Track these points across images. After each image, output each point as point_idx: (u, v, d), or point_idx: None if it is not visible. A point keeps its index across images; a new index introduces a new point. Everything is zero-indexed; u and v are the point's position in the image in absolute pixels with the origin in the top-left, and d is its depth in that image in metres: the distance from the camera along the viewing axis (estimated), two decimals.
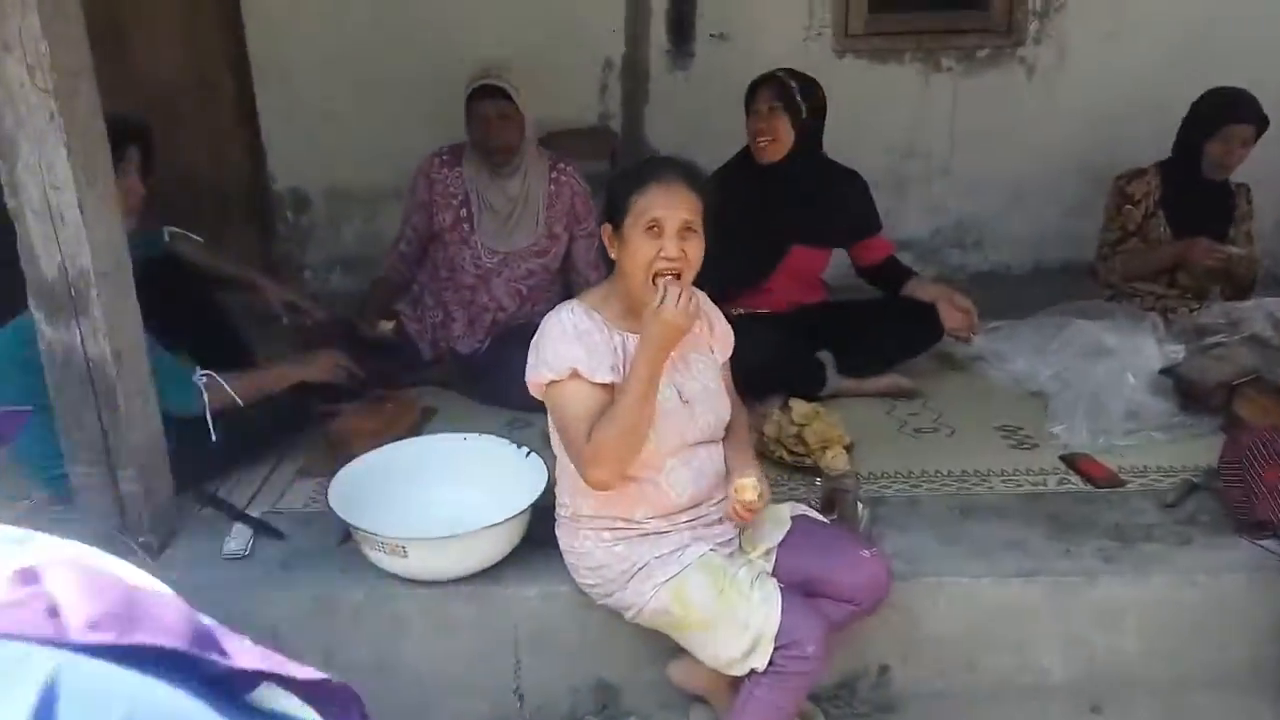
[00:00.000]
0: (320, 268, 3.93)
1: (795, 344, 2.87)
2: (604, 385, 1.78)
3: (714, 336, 2.02)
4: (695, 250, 1.79)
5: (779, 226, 2.89)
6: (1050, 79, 3.89)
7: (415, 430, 2.72)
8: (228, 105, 3.75)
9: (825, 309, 3.07)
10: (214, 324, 2.66)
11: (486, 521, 2.01)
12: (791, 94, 2.79)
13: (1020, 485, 2.48)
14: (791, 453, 2.52)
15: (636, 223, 1.77)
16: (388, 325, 2.86)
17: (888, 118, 3.90)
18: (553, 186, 2.95)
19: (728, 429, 1.99)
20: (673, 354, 1.86)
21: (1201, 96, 3.17)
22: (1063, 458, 2.60)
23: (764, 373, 2.78)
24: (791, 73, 2.86)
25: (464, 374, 2.92)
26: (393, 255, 3.06)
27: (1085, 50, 3.84)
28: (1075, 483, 2.49)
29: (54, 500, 2.24)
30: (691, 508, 1.90)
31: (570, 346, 1.78)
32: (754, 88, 2.88)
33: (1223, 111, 3.08)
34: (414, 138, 3.19)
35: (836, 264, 3.15)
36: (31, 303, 1.92)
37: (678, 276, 1.78)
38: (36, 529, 0.55)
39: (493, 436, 2.34)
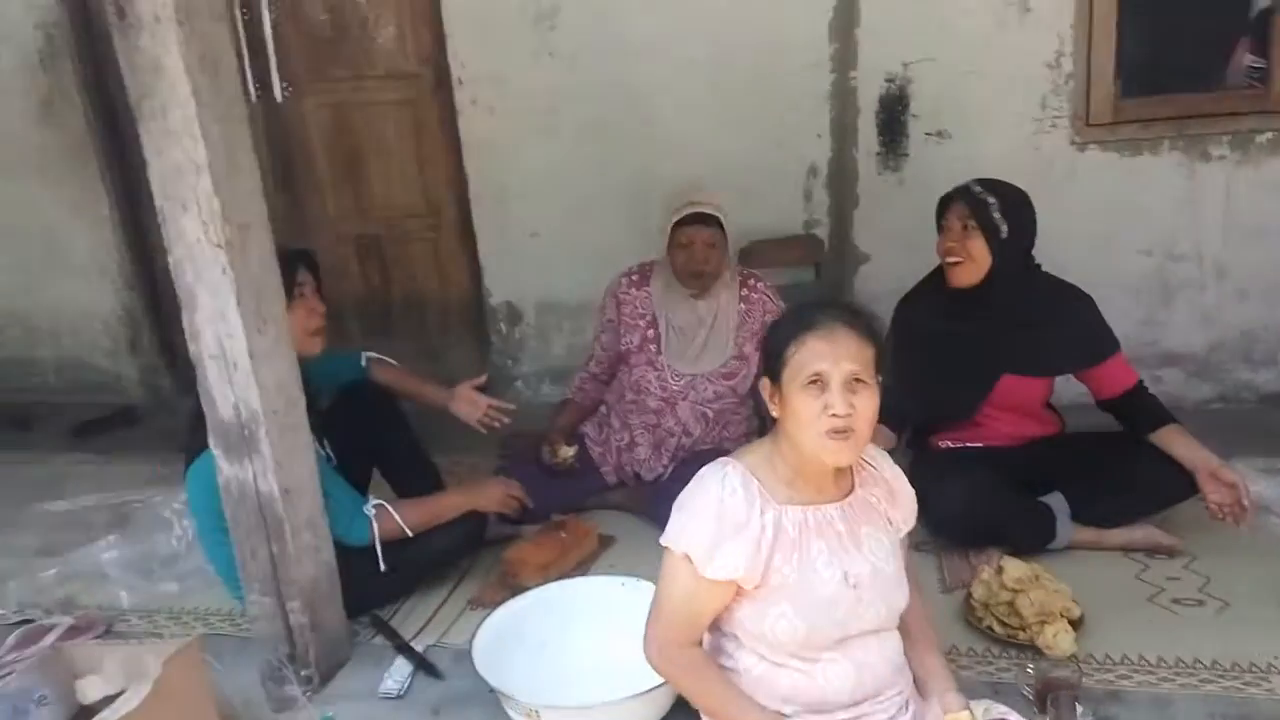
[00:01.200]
0: (531, 378, 4.00)
1: (1015, 485, 2.48)
2: (714, 581, 1.60)
3: (895, 505, 1.74)
4: (866, 405, 1.56)
5: (983, 354, 2.53)
6: None
7: (590, 560, 2.63)
8: (450, 226, 3.95)
9: (1057, 443, 2.65)
10: (405, 447, 2.70)
11: (636, 684, 1.83)
12: (987, 211, 2.46)
13: None
14: (1002, 624, 2.14)
15: (796, 378, 1.57)
16: (569, 451, 2.80)
17: (1144, 215, 3.43)
18: (743, 305, 2.80)
19: (904, 618, 1.71)
20: (840, 529, 1.64)
21: None
22: None
23: (974, 521, 2.44)
24: (989, 185, 2.53)
25: (647, 500, 2.79)
26: (582, 377, 3.04)
27: None
28: None
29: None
30: (851, 705, 1.62)
31: (703, 524, 1.60)
32: (945, 202, 2.57)
33: None
34: (620, 252, 3.18)
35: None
36: (211, 441, 2.02)
37: (848, 435, 1.55)
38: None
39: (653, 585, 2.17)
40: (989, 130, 3.45)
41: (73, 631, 2.35)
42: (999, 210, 2.44)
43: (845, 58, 3.49)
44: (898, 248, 3.59)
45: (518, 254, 3.85)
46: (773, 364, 1.62)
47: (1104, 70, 3.40)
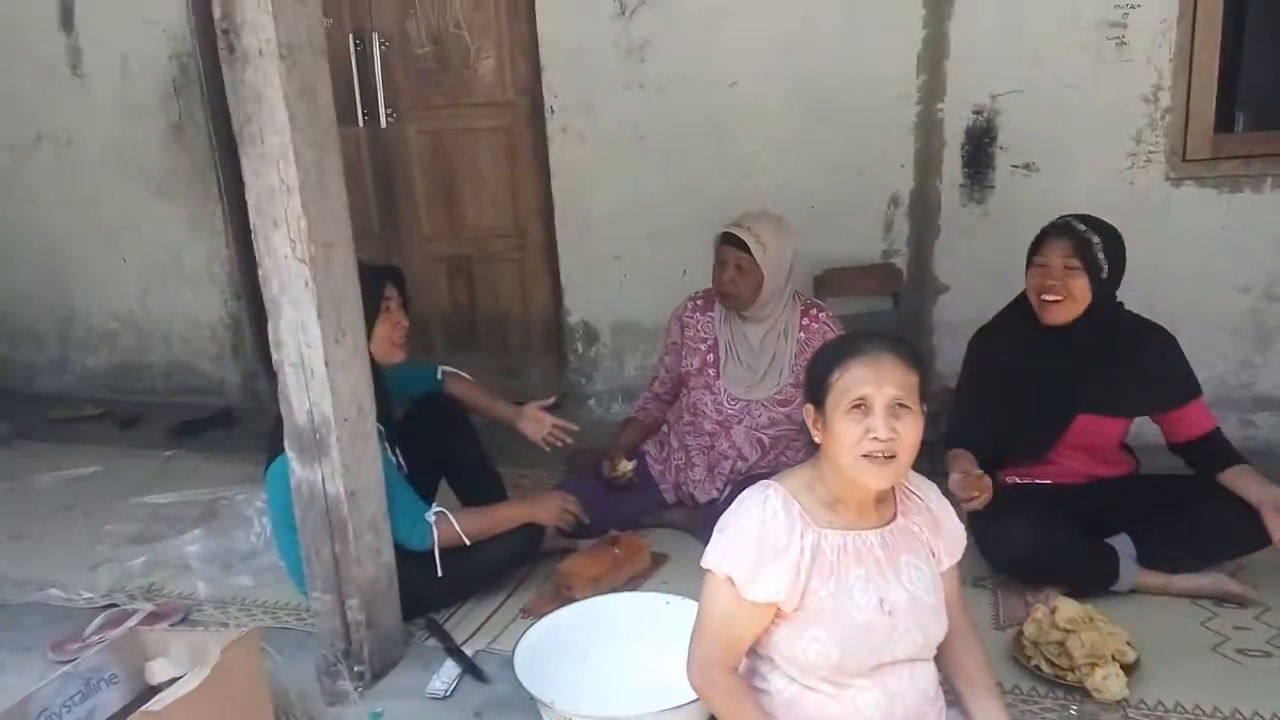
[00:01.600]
0: (604, 397, 4.09)
1: (1080, 525, 2.42)
2: (755, 604, 1.61)
3: (939, 536, 1.73)
4: (909, 430, 1.57)
5: (1063, 393, 2.46)
6: None
7: (642, 577, 2.68)
8: (535, 248, 4.10)
9: (1128, 483, 2.57)
10: (473, 459, 2.81)
11: (670, 700, 1.87)
12: (1091, 250, 2.38)
13: None
14: (1051, 664, 2.09)
15: (839, 402, 1.59)
16: (629, 466, 2.87)
17: (1242, 254, 3.30)
18: (803, 334, 2.82)
19: (947, 649, 1.71)
20: (879, 554, 1.64)
21: None
22: None
23: (1036, 560, 2.40)
24: (1091, 224, 2.44)
25: (701, 521, 2.83)
26: (646, 396, 3.12)
27: None
28: None
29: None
30: None
31: (744, 546, 1.61)
32: (1043, 236, 2.49)
33: None
34: (695, 279, 3.23)
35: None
36: (286, 443, 2.16)
37: (890, 459, 1.57)
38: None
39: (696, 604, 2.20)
40: (1079, 164, 3.38)
41: (152, 617, 2.52)
42: (1102, 250, 2.37)
43: (933, 89, 3.48)
44: (978, 279, 3.54)
45: (597, 277, 3.96)
46: (817, 390, 1.64)
47: (1204, 105, 3.31)
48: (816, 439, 1.66)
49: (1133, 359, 2.44)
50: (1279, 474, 2.38)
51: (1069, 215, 2.49)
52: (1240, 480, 2.36)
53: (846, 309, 3.37)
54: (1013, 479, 2.59)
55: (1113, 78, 3.29)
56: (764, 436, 2.83)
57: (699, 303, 2.95)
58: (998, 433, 2.48)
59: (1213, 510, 2.36)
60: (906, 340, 1.70)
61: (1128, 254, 3.27)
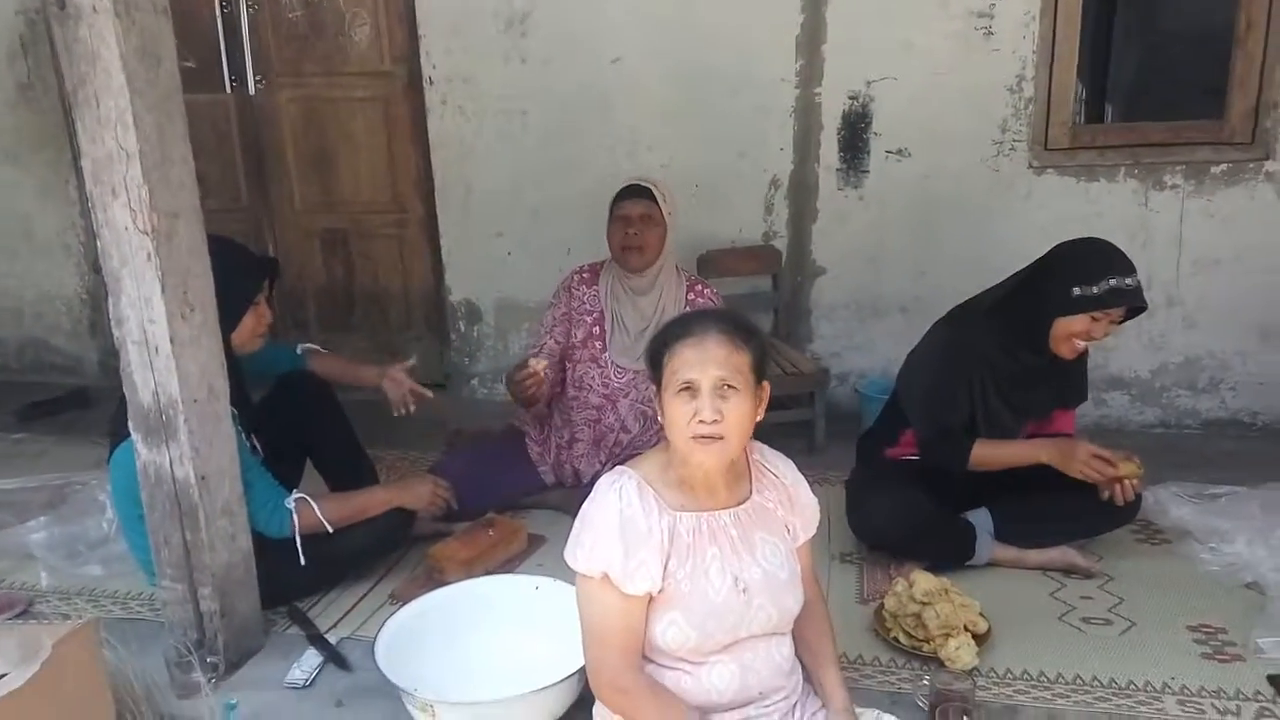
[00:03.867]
0: (486, 377, 4.04)
1: (940, 500, 2.50)
2: (636, 596, 1.58)
3: (794, 512, 1.74)
4: (736, 411, 1.56)
5: (1044, 389, 2.53)
6: None
7: (518, 559, 2.66)
8: (415, 223, 3.99)
9: None
10: (339, 441, 2.72)
11: (542, 681, 1.84)
12: (1139, 302, 2.38)
13: (1204, 712, 1.96)
14: (909, 635, 2.16)
15: (670, 385, 1.59)
16: (541, 363, 2.68)
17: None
18: (689, 307, 2.83)
19: (804, 630, 1.73)
20: (733, 533, 1.65)
21: None
22: (1273, 679, 2.04)
23: (896, 534, 2.48)
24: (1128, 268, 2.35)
25: (581, 499, 2.81)
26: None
27: None
28: None
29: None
30: (734, 708, 1.63)
31: (610, 540, 1.58)
32: (1102, 301, 2.33)
33: None
34: (580, 255, 3.20)
35: None
36: (131, 425, 2.04)
37: (717, 440, 1.56)
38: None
39: (570, 586, 2.18)
40: (949, 151, 3.48)
41: None
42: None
43: (811, 74, 3.53)
44: (854, 262, 3.64)
45: (479, 254, 3.89)
46: (655, 373, 1.63)
47: (1064, 97, 3.44)
48: (661, 420, 1.65)
49: (1081, 357, 2.51)
50: (1130, 448, 2.49)
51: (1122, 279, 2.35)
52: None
53: (728, 290, 3.40)
54: (894, 453, 2.64)
55: (980, 67, 3.40)
56: (649, 409, 2.83)
57: (585, 275, 2.93)
58: (979, 418, 2.49)
59: (1070, 493, 2.45)
60: (740, 318, 1.67)
61: (993, 239, 3.42)
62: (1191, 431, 3.50)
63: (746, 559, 1.64)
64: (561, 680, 1.84)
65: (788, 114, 3.57)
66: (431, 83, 3.75)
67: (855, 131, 3.55)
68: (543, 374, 2.67)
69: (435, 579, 2.45)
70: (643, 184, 2.79)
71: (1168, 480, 2.82)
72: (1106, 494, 2.34)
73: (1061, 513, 2.49)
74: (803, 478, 1.78)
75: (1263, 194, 3.32)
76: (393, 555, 2.62)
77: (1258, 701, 1.98)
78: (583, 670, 1.73)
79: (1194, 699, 2.00)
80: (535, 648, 2.04)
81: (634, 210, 2.75)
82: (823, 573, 2.48)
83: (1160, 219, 3.40)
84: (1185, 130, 3.41)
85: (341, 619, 2.39)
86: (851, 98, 3.52)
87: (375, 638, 1.99)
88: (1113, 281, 2.31)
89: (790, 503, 1.74)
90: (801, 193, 3.63)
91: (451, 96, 3.75)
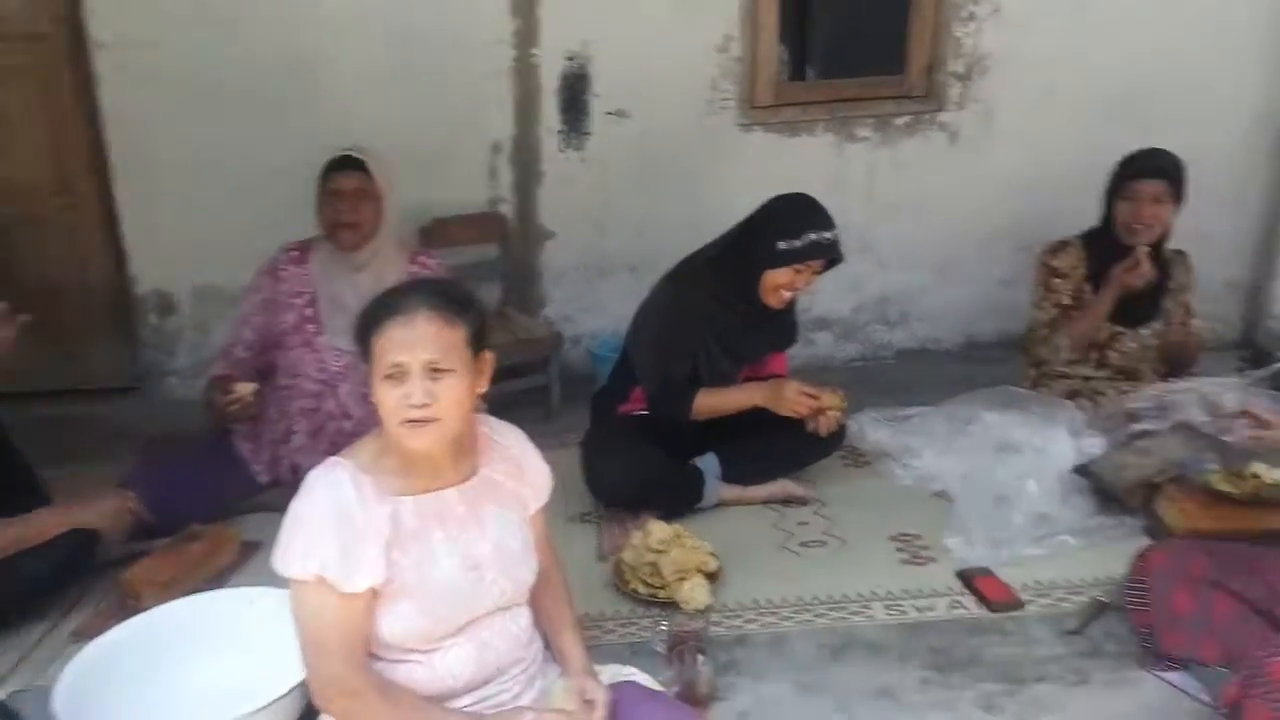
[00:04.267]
0: (187, 374, 3.68)
1: (669, 448, 2.60)
2: (357, 595, 1.49)
3: (524, 482, 1.71)
4: (449, 392, 1.50)
5: (759, 334, 2.69)
6: (975, 146, 3.67)
7: (229, 571, 2.43)
8: (89, 209, 3.55)
9: None
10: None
11: (257, 703, 1.68)
12: None
13: (906, 612, 2.19)
14: (646, 585, 2.24)
15: (378, 369, 1.51)
16: (248, 387, 2.52)
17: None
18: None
19: (541, 598, 1.72)
20: (460, 510, 1.59)
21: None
22: (960, 574, 2.31)
23: (628, 488, 2.55)
24: None
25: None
26: (222, 365, 2.71)
27: (1011, 115, 3.63)
28: (969, 606, 2.20)
29: None
30: (472, 690, 1.59)
31: (323, 538, 1.48)
32: None
33: (1124, 168, 2.87)
34: (288, 234, 2.96)
35: None
36: None
37: (431, 423, 1.49)
38: None
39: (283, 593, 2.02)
40: (665, 111, 3.58)
41: None
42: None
43: (527, 35, 3.49)
44: (581, 224, 3.67)
45: (169, 239, 3.55)
46: (365, 354, 1.55)
47: (768, 55, 3.62)
48: (374, 401, 1.56)
49: (790, 304, 2.68)
50: (835, 382, 2.71)
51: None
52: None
53: (455, 260, 3.33)
54: (627, 409, 2.71)
55: (690, 28, 3.51)
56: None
57: (294, 254, 2.73)
58: (702, 367, 2.60)
59: (781, 430, 2.62)
60: (452, 290, 1.60)
61: (710, 196, 3.54)
62: (887, 362, 3.86)
63: (476, 535, 1.61)
64: (272, 703, 1.67)
65: (506, 76, 3.52)
66: (101, 47, 3.35)
67: (575, 93, 3.56)
68: (249, 397, 2.51)
69: (129, 607, 2.14)
70: (354, 154, 2.61)
71: (867, 407, 3.07)
72: (812, 426, 2.53)
73: (778, 449, 2.68)
74: (532, 446, 1.77)
75: (937, 142, 3.68)
76: (75, 587, 2.30)
77: (949, 596, 2.24)
78: (302, 685, 1.60)
79: (897, 602, 2.23)
80: (254, 669, 1.84)
81: (345, 184, 2.59)
82: (562, 535, 2.49)
83: (853, 169, 3.69)
84: (872, 86, 3.70)
85: (15, 668, 2.10)
86: (569, 59, 3.52)
87: (52, 686, 1.75)
88: (813, 236, 2.48)
89: (520, 473, 1.71)
90: (525, 156, 3.61)
91: (130, 63, 3.37)
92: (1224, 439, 2.43)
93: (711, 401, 2.57)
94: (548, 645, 1.75)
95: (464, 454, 1.65)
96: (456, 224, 3.52)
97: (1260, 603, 1.88)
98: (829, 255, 2.53)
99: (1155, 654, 1.95)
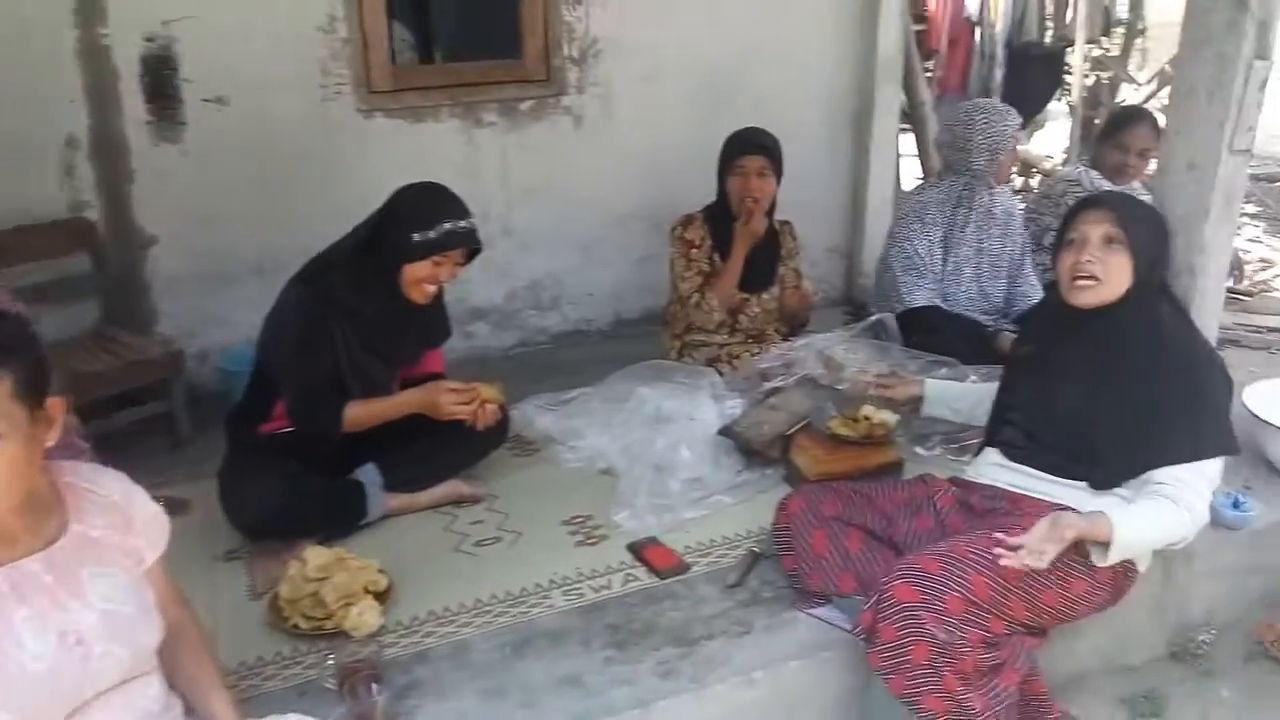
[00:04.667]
0: None
1: (317, 470, 2.39)
2: None
3: (132, 532, 1.46)
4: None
5: (410, 333, 2.55)
6: (599, 129, 3.77)
7: None
8: None
9: None
10: None
11: None
12: None
13: (583, 594, 2.20)
14: (308, 618, 2.03)
15: None
16: None
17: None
18: None
19: (178, 656, 1.50)
20: (48, 580, 1.33)
21: None
22: (630, 547, 2.37)
23: (279, 515, 2.31)
24: None
25: None
26: None
27: (627, 99, 3.76)
28: (641, 577, 2.26)
29: None
30: None
31: None
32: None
33: (728, 146, 3.13)
34: None
35: None
36: None
37: None
38: None
39: None
40: (273, 96, 3.27)
41: None
42: None
43: (91, 13, 3.01)
44: (190, 224, 3.27)
45: None
46: None
47: (378, 37, 3.41)
48: None
49: (437, 297, 2.54)
50: (490, 375, 2.68)
51: None
52: None
53: (30, 280, 2.83)
54: (267, 429, 2.44)
55: (289, 6, 3.22)
56: None
57: None
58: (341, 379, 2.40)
59: (441, 430, 2.49)
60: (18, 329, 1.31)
61: (337, 187, 3.30)
62: (544, 347, 3.88)
63: (74, 607, 1.34)
64: None
65: (70, 60, 3.01)
66: None
67: (160, 78, 3.13)
68: None
69: None
70: None
71: (530, 395, 3.07)
72: (470, 422, 2.45)
73: (441, 449, 2.56)
74: (139, 489, 1.51)
75: (563, 126, 3.72)
76: None
77: (623, 570, 2.28)
78: None
79: (574, 585, 2.23)
80: None
81: None
82: (208, 577, 2.22)
83: (485, 155, 3.63)
84: (493, 70, 3.65)
85: None
86: (148, 40, 3.09)
87: None
88: (447, 225, 2.38)
89: (127, 523, 1.46)
90: (109, 152, 3.12)
91: None
92: (839, 388, 2.72)
93: (362, 413, 2.40)
94: (190, 712, 1.53)
95: (43, 513, 1.37)
96: (30, 235, 2.96)
97: (881, 531, 2.12)
98: (466, 244, 2.44)
99: (804, 593, 2.13)
